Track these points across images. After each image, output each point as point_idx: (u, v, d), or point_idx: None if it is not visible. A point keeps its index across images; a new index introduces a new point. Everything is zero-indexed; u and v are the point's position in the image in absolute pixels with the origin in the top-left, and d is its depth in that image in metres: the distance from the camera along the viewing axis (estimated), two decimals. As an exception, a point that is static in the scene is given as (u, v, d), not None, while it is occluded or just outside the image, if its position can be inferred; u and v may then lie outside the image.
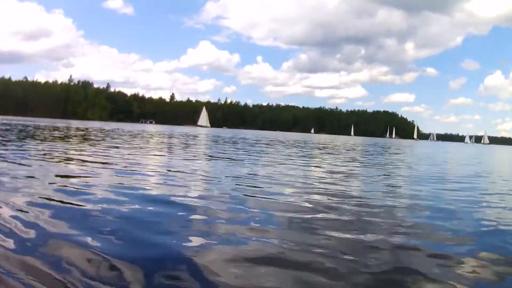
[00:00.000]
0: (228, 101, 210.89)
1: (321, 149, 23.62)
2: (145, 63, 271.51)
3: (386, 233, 4.10)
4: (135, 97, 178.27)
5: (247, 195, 5.64)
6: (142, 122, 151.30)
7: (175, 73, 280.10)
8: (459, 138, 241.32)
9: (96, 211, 4.19)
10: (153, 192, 5.61)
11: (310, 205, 5.26)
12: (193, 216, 4.31)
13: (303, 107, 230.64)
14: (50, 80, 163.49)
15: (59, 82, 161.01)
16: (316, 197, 5.89)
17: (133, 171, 7.62)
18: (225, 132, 65.25)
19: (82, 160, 9.14)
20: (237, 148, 18.29)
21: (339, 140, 61.50)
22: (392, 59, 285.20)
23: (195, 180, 7.02)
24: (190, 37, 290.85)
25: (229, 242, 3.48)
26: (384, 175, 10.28)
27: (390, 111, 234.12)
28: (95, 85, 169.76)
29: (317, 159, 15.10)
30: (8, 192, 4.95)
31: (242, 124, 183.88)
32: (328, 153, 19.59)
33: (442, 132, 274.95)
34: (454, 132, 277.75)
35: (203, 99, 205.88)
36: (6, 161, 7.97)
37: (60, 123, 54.65)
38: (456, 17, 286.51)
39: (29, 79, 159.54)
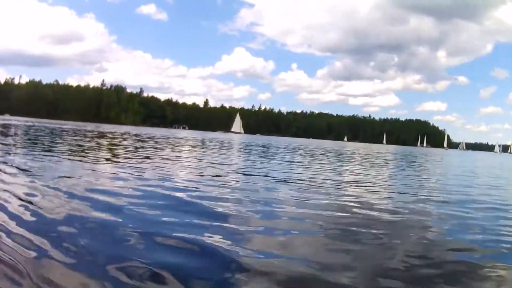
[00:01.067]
0: (262, 107, 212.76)
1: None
2: (179, 69, 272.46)
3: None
4: (168, 102, 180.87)
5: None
6: (175, 128, 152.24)
7: (209, 79, 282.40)
8: (489, 147, 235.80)
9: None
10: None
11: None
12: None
13: (336, 114, 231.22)
14: (82, 84, 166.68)
15: (91, 86, 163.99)
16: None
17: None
18: (261, 139, 65.66)
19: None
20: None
21: (371, 148, 61.30)
22: (424, 67, 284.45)
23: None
24: (224, 44, 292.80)
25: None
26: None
27: (422, 120, 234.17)
28: (128, 90, 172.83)
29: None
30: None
31: (276, 131, 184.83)
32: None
33: (472, 141, 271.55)
34: (484, 141, 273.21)
35: (238, 105, 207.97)
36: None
37: (105, 128, 55.05)
38: (486, 25, 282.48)
39: (60, 82, 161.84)
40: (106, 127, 59.24)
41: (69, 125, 56.16)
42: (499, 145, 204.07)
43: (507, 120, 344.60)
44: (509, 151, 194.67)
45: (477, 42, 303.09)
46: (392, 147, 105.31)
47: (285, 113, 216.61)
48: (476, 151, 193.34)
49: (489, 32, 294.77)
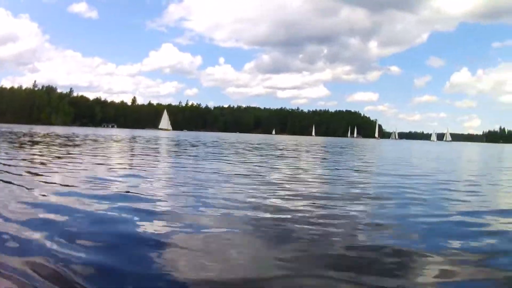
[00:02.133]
0: (190, 103, 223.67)
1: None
2: (108, 66, 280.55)
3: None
4: (97, 101, 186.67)
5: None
6: (104, 126, 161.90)
7: (137, 76, 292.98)
8: (424, 136, 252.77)
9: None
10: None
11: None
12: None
13: (264, 108, 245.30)
14: (16, 86, 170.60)
15: (23, 87, 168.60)
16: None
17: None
18: (184, 135, 67.29)
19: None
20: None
21: (292, 141, 63.30)
22: (355, 58, 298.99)
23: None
24: (153, 40, 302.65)
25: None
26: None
27: (353, 111, 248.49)
28: (59, 90, 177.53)
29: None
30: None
31: (204, 127, 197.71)
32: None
33: (407, 130, 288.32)
34: (419, 130, 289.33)
35: (165, 102, 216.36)
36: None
37: (33, 130, 54.20)
38: (422, 15, 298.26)
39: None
40: (37, 129, 59.43)
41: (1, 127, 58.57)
42: (436, 134, 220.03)
43: (443, 109, 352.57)
44: (444, 139, 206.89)
45: (412, 32, 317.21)
46: (320, 139, 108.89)
47: (212, 108, 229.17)
48: (410, 140, 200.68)
49: (426, 22, 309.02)
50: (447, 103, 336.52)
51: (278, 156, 18.61)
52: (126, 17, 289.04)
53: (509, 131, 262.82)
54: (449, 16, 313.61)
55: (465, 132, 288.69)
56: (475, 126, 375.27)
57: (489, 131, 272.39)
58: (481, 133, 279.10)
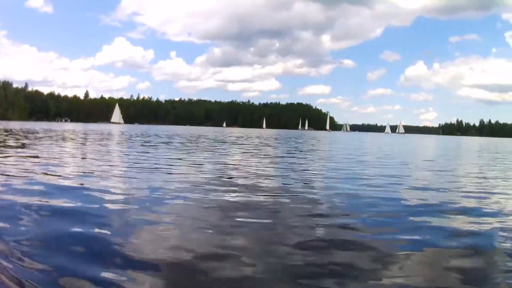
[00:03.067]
0: (141, 97, 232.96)
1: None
2: (63, 61, 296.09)
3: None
4: (51, 95, 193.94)
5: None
6: (58, 121, 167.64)
7: (91, 70, 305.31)
8: (378, 128, 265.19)
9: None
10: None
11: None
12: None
13: (215, 101, 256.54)
14: None
15: None
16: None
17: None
18: (133, 129, 71.88)
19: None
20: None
21: (238, 133, 68.87)
22: (308, 51, 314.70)
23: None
24: (106, 34, 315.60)
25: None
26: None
27: (304, 103, 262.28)
28: (15, 85, 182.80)
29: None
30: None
31: (155, 120, 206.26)
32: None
33: (360, 122, 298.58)
34: (373, 123, 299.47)
35: (118, 95, 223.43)
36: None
37: None
38: (377, 9, 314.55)
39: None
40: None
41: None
42: (390, 126, 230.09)
43: (398, 102, 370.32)
44: (396, 131, 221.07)
45: (367, 26, 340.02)
46: (270, 131, 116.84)
47: (163, 102, 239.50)
48: (362, 132, 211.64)
49: (381, 16, 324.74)
50: (402, 96, 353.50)
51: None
52: (81, 11, 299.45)
53: (466, 124, 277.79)
54: (405, 10, 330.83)
55: (421, 125, 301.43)
56: (431, 119, 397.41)
57: (446, 124, 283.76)
58: (437, 125, 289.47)
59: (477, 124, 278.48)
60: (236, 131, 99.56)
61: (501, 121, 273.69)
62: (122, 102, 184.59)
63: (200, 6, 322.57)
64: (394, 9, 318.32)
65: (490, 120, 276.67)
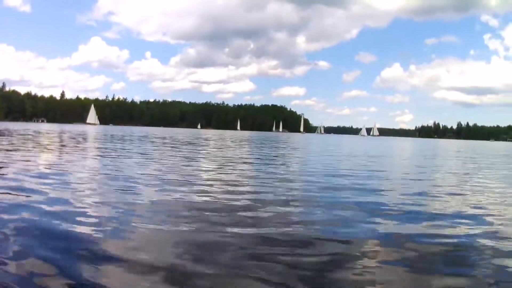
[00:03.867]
0: (116, 97, 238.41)
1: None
2: (39, 60, 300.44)
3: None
4: (28, 95, 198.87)
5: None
6: (34, 121, 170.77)
7: (67, 70, 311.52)
8: (353, 131, 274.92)
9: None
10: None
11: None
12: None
13: (190, 102, 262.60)
14: None
15: None
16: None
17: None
18: (107, 130, 73.05)
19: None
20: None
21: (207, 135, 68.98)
22: (282, 52, 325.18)
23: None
24: (82, 34, 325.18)
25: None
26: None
27: (279, 105, 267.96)
28: None
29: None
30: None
31: (130, 121, 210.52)
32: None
33: (335, 125, 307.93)
34: (348, 125, 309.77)
35: (93, 96, 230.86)
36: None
37: None
38: (353, 10, 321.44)
39: None
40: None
41: None
42: (366, 128, 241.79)
43: (373, 104, 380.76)
44: (371, 133, 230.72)
45: (342, 27, 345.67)
46: (243, 133, 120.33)
47: (138, 103, 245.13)
48: (338, 134, 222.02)
49: (356, 17, 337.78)
50: (378, 98, 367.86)
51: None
52: (58, 10, 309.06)
53: (443, 126, 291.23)
54: (381, 12, 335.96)
55: (397, 127, 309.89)
56: (407, 121, 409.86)
57: (422, 126, 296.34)
58: (414, 128, 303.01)
59: (454, 126, 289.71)
60: (210, 132, 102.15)
61: (479, 124, 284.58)
62: (97, 103, 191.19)
63: (174, 6, 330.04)
64: (370, 10, 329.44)
65: (468, 123, 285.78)
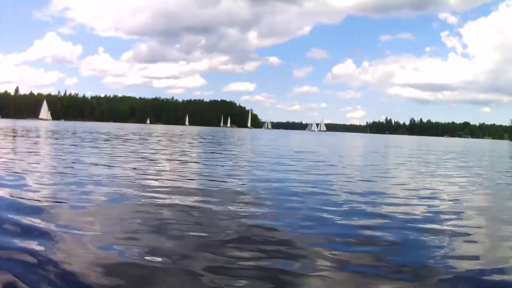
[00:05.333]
0: (68, 93, 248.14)
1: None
2: None
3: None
4: None
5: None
6: None
7: (22, 65, 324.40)
8: (303, 126, 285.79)
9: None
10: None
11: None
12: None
13: (140, 97, 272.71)
14: None
15: None
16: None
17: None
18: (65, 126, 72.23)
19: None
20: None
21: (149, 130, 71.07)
22: (233, 48, 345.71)
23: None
24: (38, 29, 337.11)
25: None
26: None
27: (228, 100, 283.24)
28: None
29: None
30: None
31: (81, 116, 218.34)
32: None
33: (285, 120, 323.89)
34: (298, 120, 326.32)
35: (46, 91, 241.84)
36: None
37: None
38: (306, 7, 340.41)
39: None
40: None
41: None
42: (316, 124, 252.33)
43: (324, 100, 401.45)
44: (318, 129, 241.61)
45: (294, 24, 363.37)
46: (191, 128, 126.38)
47: (89, 98, 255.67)
48: (287, 130, 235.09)
49: (309, 14, 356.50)
50: (329, 94, 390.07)
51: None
52: (15, 6, 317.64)
53: (396, 122, 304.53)
54: (335, 8, 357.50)
55: (348, 123, 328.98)
56: (359, 117, 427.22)
57: (374, 122, 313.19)
58: (365, 123, 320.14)
59: (407, 123, 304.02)
60: (151, 127, 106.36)
61: (433, 120, 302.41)
62: (50, 98, 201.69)
63: (128, 2, 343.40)
64: (324, 7, 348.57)
65: (421, 119, 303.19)
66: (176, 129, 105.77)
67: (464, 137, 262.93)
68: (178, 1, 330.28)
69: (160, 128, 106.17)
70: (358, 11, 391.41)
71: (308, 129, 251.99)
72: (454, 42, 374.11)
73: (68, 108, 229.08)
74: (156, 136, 44.73)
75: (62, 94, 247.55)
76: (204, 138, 45.03)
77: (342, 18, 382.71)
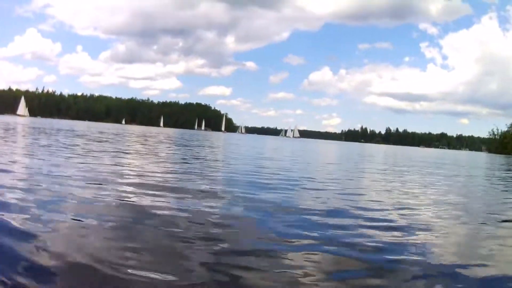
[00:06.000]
0: (46, 90, 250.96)
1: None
2: None
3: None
4: None
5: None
6: None
7: (2, 60, 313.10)
8: (278, 132, 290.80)
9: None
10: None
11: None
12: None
13: (116, 97, 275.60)
14: None
15: None
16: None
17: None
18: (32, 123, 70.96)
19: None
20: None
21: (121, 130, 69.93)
22: (210, 52, 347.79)
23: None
24: (19, 25, 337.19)
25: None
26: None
27: (203, 104, 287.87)
28: None
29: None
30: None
31: (58, 114, 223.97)
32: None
33: (260, 125, 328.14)
34: (272, 126, 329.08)
35: (25, 88, 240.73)
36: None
37: None
38: (284, 12, 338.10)
39: None
40: None
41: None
42: (291, 130, 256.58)
43: (300, 106, 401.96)
44: (292, 135, 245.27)
45: (272, 29, 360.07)
46: (165, 130, 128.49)
47: (66, 96, 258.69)
48: (260, 135, 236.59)
49: (287, 20, 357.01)
50: (305, 101, 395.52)
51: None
52: None
53: (371, 131, 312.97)
54: (313, 15, 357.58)
55: (323, 130, 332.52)
56: (335, 125, 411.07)
57: (349, 130, 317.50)
58: (340, 131, 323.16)
59: (383, 132, 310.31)
60: (124, 128, 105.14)
61: (410, 130, 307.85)
62: (27, 95, 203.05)
63: (108, 1, 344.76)
64: (302, 14, 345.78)
65: (397, 129, 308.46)
66: (144, 129, 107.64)
67: (440, 147, 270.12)
68: (156, 2, 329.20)
69: (131, 129, 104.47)
70: (337, 18, 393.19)
71: (282, 135, 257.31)
72: (433, 53, 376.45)
73: (46, 105, 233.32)
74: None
75: (40, 91, 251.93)
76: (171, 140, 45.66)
77: (320, 25, 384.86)
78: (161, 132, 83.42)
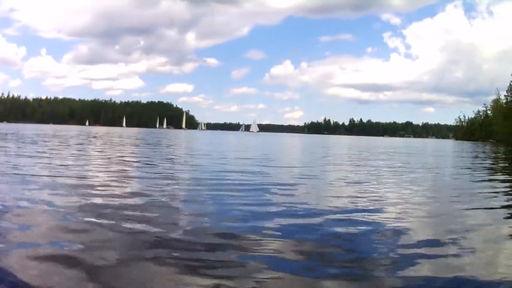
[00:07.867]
0: (11, 95, 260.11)
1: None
2: None
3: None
4: None
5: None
6: None
7: None
8: (239, 127, 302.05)
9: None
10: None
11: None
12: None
13: (79, 99, 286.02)
14: None
15: None
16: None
17: None
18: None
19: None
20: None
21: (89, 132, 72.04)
22: (172, 49, 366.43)
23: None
24: None
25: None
26: None
27: (165, 102, 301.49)
28: None
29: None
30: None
31: (23, 118, 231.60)
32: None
33: (223, 121, 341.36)
34: (235, 121, 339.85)
35: None
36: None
37: None
38: (245, 8, 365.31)
39: None
40: None
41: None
42: (250, 125, 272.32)
43: (262, 100, 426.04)
44: (250, 130, 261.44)
45: (233, 25, 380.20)
46: (127, 130, 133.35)
47: (31, 100, 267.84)
48: (222, 131, 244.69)
49: (248, 15, 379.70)
50: (267, 95, 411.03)
51: None
52: None
53: (335, 123, 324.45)
54: (274, 10, 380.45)
55: (286, 124, 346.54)
56: (297, 118, 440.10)
57: (312, 122, 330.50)
58: (303, 124, 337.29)
59: (347, 123, 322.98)
60: (84, 129, 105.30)
61: (374, 120, 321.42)
62: None
63: (70, 3, 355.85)
64: (263, 8, 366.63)
65: (361, 119, 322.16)
66: (103, 129, 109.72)
67: (406, 136, 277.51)
68: (118, 2, 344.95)
69: (90, 130, 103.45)
70: (298, 12, 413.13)
71: (241, 130, 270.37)
72: (396, 43, 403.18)
73: (11, 110, 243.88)
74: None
75: (5, 96, 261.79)
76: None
77: (281, 19, 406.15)
78: (109, 132, 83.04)
